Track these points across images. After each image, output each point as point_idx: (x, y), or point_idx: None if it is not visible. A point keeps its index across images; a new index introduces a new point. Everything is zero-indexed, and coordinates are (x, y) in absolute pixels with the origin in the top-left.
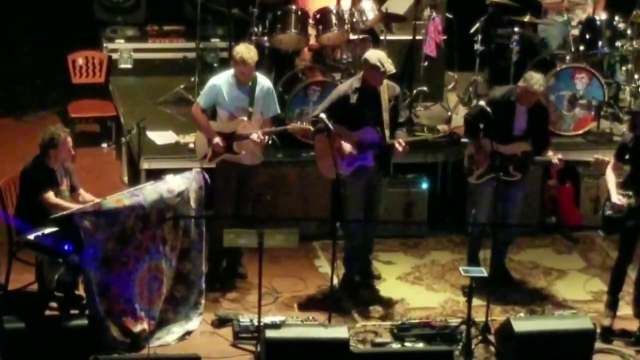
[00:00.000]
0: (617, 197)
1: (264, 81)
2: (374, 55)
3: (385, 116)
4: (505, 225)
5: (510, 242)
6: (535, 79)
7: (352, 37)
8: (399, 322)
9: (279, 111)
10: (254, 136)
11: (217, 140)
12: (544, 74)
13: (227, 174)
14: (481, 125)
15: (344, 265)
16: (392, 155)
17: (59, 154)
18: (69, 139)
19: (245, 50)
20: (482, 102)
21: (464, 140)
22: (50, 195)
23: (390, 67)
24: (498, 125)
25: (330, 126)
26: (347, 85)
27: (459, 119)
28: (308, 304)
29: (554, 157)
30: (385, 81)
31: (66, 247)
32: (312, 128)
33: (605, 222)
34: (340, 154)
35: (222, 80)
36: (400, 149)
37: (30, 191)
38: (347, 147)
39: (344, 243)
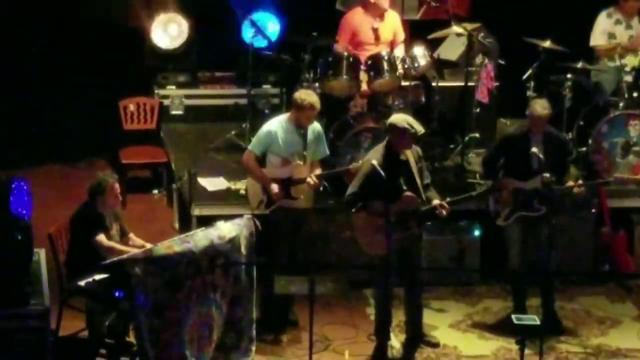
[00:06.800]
0: None
1: (314, 124)
2: (400, 118)
3: (418, 180)
4: (550, 273)
5: (552, 287)
6: (538, 104)
7: (404, 83)
8: None
9: (328, 153)
10: (310, 180)
11: (276, 189)
12: (597, 120)
13: (282, 220)
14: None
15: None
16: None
17: (106, 199)
18: (117, 185)
19: (310, 95)
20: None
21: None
22: (102, 238)
23: (420, 127)
24: (516, 161)
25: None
26: (369, 165)
27: None
28: (359, 352)
29: (575, 185)
30: None
31: (117, 294)
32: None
33: None
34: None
35: (276, 125)
36: (445, 212)
37: (81, 236)
38: None
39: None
